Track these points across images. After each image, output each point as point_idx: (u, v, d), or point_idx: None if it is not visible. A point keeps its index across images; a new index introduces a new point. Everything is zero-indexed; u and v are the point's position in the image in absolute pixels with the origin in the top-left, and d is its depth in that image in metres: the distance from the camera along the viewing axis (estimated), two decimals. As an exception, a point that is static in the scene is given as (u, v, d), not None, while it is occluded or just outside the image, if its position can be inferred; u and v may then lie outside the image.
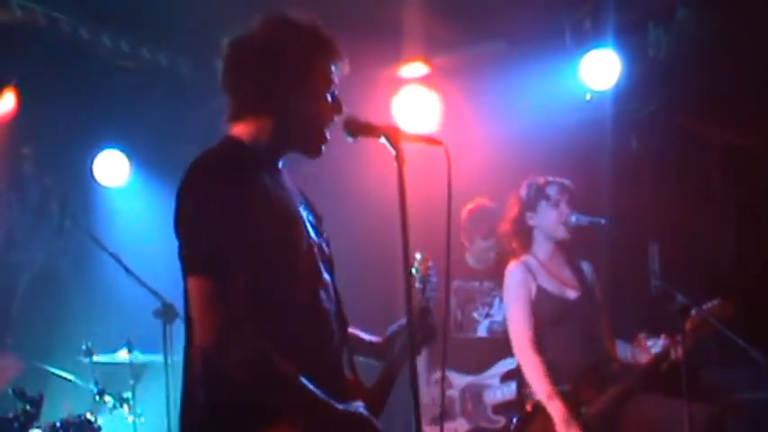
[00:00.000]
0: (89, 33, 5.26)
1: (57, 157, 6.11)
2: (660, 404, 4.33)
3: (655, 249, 4.32)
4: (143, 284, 5.01)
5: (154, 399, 4.97)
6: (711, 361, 5.30)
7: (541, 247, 4.65)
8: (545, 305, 4.52)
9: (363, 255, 5.73)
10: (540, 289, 4.54)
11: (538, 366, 4.39)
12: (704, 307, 4.24)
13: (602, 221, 4.62)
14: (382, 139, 2.47)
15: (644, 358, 4.45)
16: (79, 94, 5.56)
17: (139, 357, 5.16)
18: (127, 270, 5.06)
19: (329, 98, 2.51)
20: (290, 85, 2.44)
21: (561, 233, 4.59)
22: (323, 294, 2.44)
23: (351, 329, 2.65)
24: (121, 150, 6.18)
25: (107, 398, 4.97)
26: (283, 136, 2.48)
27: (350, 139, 2.51)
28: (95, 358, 5.05)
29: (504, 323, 5.35)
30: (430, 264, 2.80)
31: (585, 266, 4.72)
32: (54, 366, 5.07)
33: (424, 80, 6.08)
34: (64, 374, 5.06)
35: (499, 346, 5.27)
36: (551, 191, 4.61)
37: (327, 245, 2.57)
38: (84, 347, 5.03)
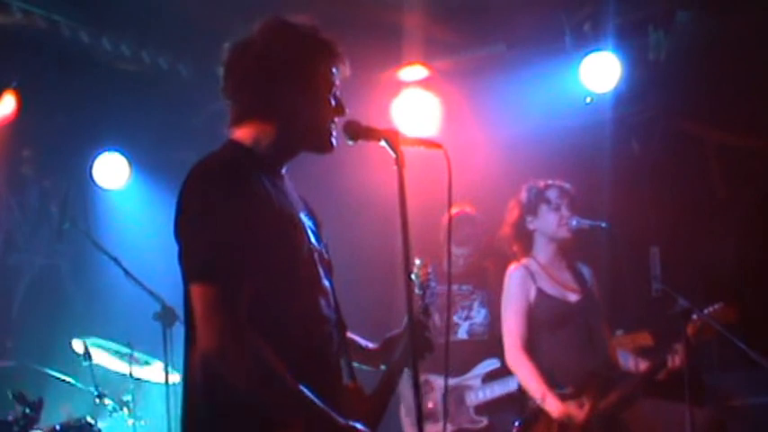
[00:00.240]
0: (89, 37, 5.26)
1: (56, 159, 6.12)
2: (661, 408, 4.33)
3: (655, 252, 4.32)
4: (143, 287, 5.00)
5: (154, 402, 4.96)
6: (713, 365, 5.29)
7: (542, 251, 4.65)
8: (545, 308, 4.52)
9: (363, 259, 5.73)
10: (540, 292, 4.54)
11: (531, 369, 4.41)
12: (706, 311, 4.24)
13: (603, 225, 4.62)
14: (382, 143, 2.47)
15: (643, 365, 4.46)
16: (79, 97, 5.56)
17: (139, 358, 5.15)
18: (126, 273, 5.05)
19: (331, 100, 2.50)
20: (291, 89, 2.44)
21: (562, 236, 4.59)
22: (322, 301, 2.44)
23: (348, 335, 2.65)
24: (121, 153, 6.18)
25: (107, 401, 4.96)
26: (285, 140, 2.48)
27: (350, 143, 2.50)
28: (95, 361, 5.05)
29: (483, 325, 5.43)
30: (429, 269, 2.80)
31: (585, 270, 4.72)
32: (53, 369, 5.06)
33: (424, 83, 6.07)
34: (63, 377, 5.05)
35: (480, 348, 5.35)
36: (552, 194, 4.62)
37: (327, 251, 2.56)
38: (84, 350, 5.02)
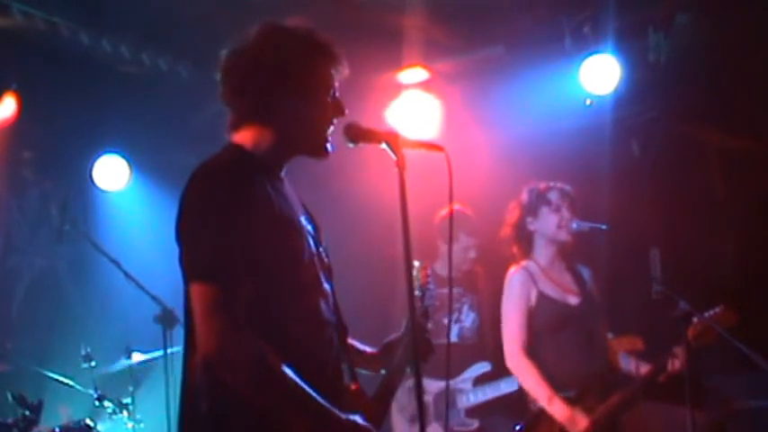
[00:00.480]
0: (89, 38, 5.26)
1: (57, 161, 6.11)
2: (661, 411, 4.32)
3: (656, 255, 4.31)
4: (143, 289, 5.00)
5: (154, 404, 4.96)
6: (713, 368, 5.28)
7: (542, 253, 4.64)
8: (546, 311, 4.51)
9: (364, 261, 5.72)
10: (541, 294, 4.53)
11: (535, 373, 4.39)
12: (706, 314, 4.23)
13: (603, 227, 4.61)
14: (383, 145, 2.47)
15: (643, 368, 4.45)
16: (79, 99, 5.56)
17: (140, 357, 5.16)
18: (126, 275, 5.06)
19: (329, 102, 2.50)
20: (290, 93, 2.44)
21: (562, 238, 4.58)
22: (323, 304, 2.44)
23: (347, 339, 2.65)
24: (121, 155, 6.18)
25: (106, 403, 4.96)
26: (285, 143, 2.48)
27: (350, 146, 2.50)
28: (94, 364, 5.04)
29: (472, 329, 5.41)
30: (428, 272, 2.79)
31: (585, 272, 4.72)
32: (53, 371, 5.06)
33: (424, 85, 6.07)
34: (63, 380, 5.05)
35: (470, 351, 5.37)
36: (552, 196, 4.61)
37: (326, 254, 2.56)
38: (83, 352, 5.02)
